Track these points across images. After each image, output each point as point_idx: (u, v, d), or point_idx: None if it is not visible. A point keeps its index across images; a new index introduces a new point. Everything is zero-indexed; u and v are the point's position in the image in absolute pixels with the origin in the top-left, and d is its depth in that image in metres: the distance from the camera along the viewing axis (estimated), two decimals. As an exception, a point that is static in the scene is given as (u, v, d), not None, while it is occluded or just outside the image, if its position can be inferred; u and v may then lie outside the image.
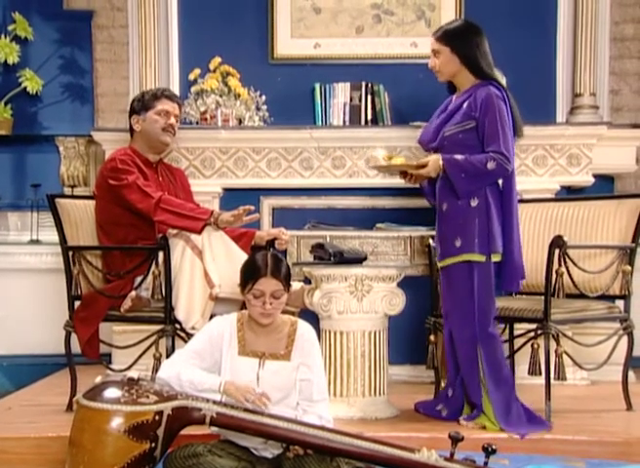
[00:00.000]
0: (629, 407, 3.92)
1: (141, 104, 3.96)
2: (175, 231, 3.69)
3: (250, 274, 3.01)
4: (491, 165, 3.54)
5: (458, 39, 3.65)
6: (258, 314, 3.00)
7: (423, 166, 3.66)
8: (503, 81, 4.71)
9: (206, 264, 3.59)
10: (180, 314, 3.61)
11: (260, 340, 3.05)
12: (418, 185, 3.86)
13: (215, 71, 4.85)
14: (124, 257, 3.79)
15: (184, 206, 3.73)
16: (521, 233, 3.71)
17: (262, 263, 3.00)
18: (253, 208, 3.69)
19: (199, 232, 3.61)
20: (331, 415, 3.09)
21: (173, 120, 3.96)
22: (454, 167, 3.59)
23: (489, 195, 3.59)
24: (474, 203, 3.59)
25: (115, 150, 4.02)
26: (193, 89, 4.82)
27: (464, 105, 3.62)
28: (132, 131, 4.00)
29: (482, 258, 3.57)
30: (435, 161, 3.63)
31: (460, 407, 3.69)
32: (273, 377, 3.01)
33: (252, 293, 2.99)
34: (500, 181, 3.63)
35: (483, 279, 3.57)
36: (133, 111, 3.99)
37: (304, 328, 3.11)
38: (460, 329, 3.62)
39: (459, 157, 3.60)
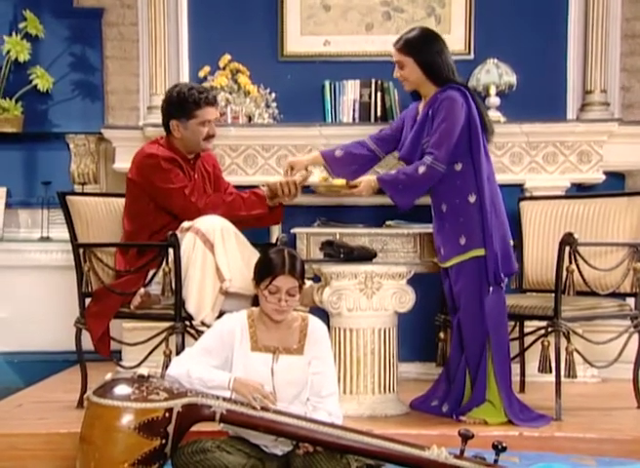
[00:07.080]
0: (640, 404, 3.91)
1: (182, 111, 3.77)
2: (188, 225, 3.65)
3: (267, 271, 3.02)
4: (421, 169, 3.56)
5: (419, 48, 3.65)
6: (272, 310, 3.01)
7: (356, 186, 3.74)
8: (513, 78, 4.74)
9: (217, 258, 3.57)
10: (190, 307, 3.60)
11: (273, 335, 3.05)
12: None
13: (224, 68, 4.85)
14: (139, 250, 3.78)
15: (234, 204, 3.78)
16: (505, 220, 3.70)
17: (280, 261, 3.01)
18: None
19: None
20: (340, 411, 3.09)
21: (213, 126, 3.86)
22: (388, 183, 3.64)
23: (485, 189, 3.58)
24: (472, 199, 3.60)
25: (152, 142, 3.90)
26: (203, 86, 4.82)
27: (430, 114, 3.63)
28: (167, 128, 3.85)
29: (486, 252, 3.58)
30: (368, 182, 3.71)
31: (460, 400, 3.69)
32: (287, 372, 3.01)
33: (268, 290, 3.00)
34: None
35: (492, 271, 3.58)
36: (171, 114, 3.80)
37: (316, 323, 3.12)
38: (472, 322, 3.62)
39: (392, 171, 3.70)
